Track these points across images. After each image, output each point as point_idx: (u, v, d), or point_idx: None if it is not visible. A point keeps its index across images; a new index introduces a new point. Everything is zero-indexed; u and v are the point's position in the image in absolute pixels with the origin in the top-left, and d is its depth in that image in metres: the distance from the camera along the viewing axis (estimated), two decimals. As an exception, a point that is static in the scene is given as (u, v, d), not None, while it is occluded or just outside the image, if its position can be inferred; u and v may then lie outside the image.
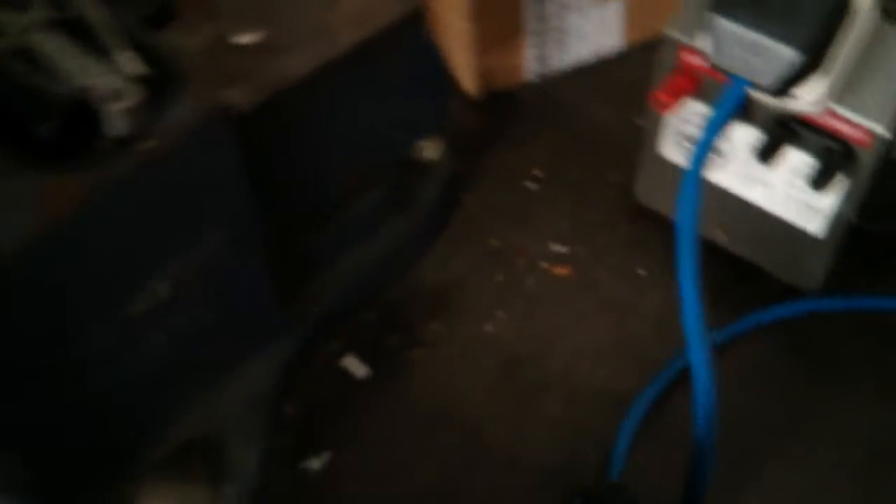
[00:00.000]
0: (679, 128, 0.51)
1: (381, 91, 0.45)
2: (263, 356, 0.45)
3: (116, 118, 0.30)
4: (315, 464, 0.46)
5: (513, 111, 0.63)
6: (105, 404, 0.37)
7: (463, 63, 0.62)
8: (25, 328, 0.31)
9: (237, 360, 0.44)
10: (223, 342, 0.42)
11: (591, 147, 0.61)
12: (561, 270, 0.55)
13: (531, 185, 0.60)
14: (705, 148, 0.41)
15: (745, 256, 0.53)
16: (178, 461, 0.41)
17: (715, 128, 0.41)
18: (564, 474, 0.46)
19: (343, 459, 0.46)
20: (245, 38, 0.39)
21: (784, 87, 0.40)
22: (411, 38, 0.45)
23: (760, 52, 0.39)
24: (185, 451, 0.41)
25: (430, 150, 0.55)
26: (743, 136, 0.48)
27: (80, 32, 0.32)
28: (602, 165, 0.60)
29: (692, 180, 0.40)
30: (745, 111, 0.47)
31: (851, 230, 0.48)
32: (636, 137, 0.53)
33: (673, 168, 0.51)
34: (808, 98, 0.43)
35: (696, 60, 0.46)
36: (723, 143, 0.49)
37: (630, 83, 0.58)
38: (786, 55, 0.39)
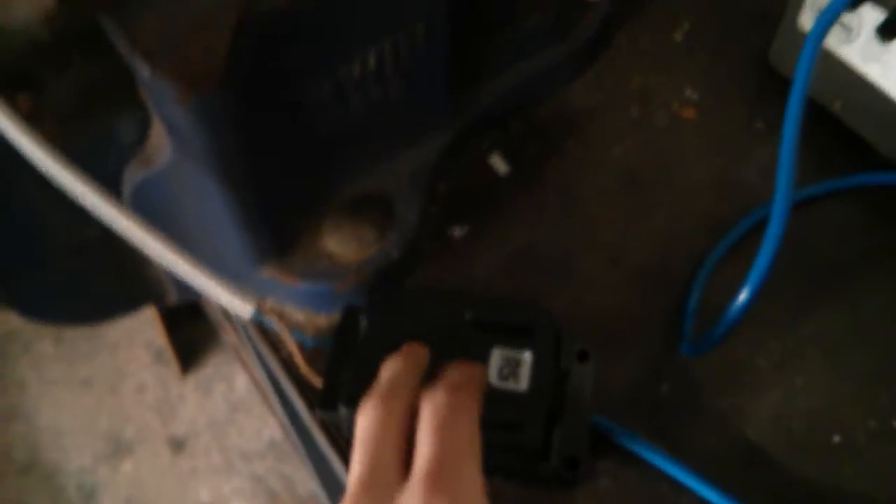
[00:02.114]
0: (818, 3, 0.57)
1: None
2: (429, 139, 0.55)
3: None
4: (457, 232, 0.57)
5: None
6: (316, 149, 0.48)
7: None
8: (283, 62, 0.42)
9: (410, 138, 0.54)
10: (403, 119, 0.52)
11: (740, 11, 0.68)
12: (688, 113, 0.62)
13: (677, 37, 0.67)
14: (830, 16, 0.48)
15: (853, 128, 0.60)
16: (356, 206, 0.52)
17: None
18: (657, 273, 0.55)
19: (480, 232, 0.57)
20: None
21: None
22: None
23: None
24: (362, 200, 0.52)
25: (594, -11, 0.63)
26: (871, 17, 0.54)
27: None
28: (746, 28, 0.66)
29: (813, 41, 0.48)
30: (878, -6, 0.53)
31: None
32: (782, 8, 0.60)
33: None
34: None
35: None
36: (852, 20, 0.55)
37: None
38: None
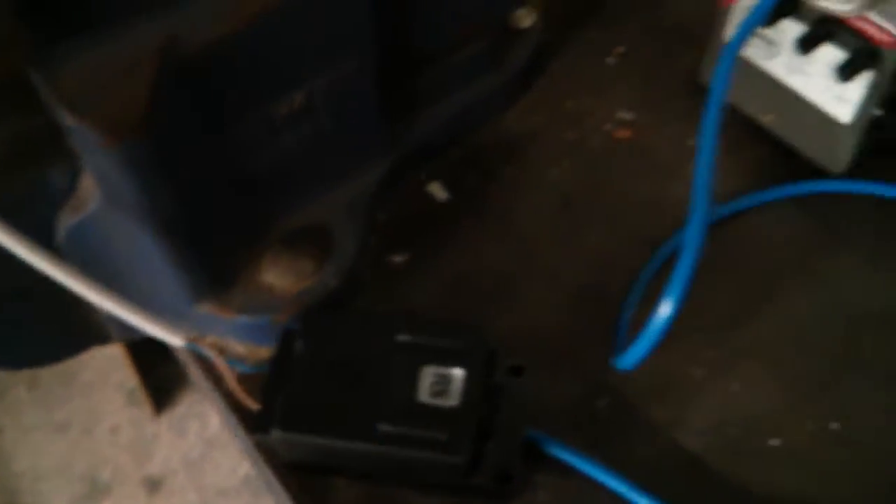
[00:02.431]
0: (741, 19, 0.59)
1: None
2: (366, 170, 0.57)
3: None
4: (397, 259, 0.58)
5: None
6: (248, 186, 0.49)
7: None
8: (207, 105, 0.43)
9: (345, 170, 0.55)
10: (336, 152, 0.53)
11: (672, 33, 0.69)
12: (623, 134, 0.64)
13: (611, 61, 0.68)
14: (747, 27, 0.50)
15: (784, 139, 0.61)
16: (293, 239, 0.53)
17: (760, 11, 0.50)
18: (594, 292, 0.57)
19: (420, 258, 0.58)
20: None
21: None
22: None
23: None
24: (299, 233, 0.53)
25: (526, 18, 0.65)
26: (791, 31, 0.56)
27: None
28: (678, 51, 0.68)
29: (730, 50, 0.50)
30: (797, 8, 0.55)
31: (875, 123, 0.56)
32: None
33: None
34: (846, 5, 0.51)
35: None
36: (774, 35, 0.57)
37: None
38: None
